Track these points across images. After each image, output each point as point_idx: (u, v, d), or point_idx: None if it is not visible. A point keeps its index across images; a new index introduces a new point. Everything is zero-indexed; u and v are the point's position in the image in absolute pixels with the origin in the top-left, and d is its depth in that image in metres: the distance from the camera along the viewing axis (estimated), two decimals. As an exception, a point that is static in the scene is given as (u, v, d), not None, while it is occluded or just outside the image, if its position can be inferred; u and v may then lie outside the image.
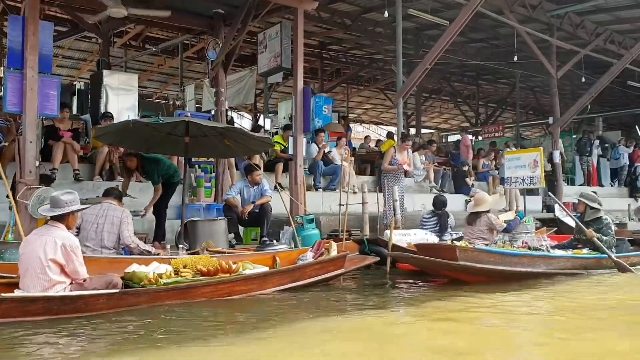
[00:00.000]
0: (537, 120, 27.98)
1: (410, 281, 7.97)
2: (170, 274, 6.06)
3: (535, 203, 16.04)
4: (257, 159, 10.93)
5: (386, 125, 32.07)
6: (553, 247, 8.92)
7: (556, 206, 14.55)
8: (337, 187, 13.06)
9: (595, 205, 8.83)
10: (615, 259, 8.22)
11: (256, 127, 12.72)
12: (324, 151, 13.04)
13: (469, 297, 6.58)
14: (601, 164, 20.64)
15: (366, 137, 19.17)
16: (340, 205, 9.72)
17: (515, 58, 15.27)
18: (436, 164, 15.70)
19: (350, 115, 30.93)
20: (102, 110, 12.79)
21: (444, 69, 22.64)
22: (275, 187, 9.47)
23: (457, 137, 28.63)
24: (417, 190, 15.08)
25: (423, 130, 32.04)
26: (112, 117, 10.95)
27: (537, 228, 12.47)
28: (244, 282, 6.29)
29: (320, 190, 12.84)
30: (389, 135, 17.22)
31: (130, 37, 19.71)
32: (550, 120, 17.52)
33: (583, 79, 16.86)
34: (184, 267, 6.31)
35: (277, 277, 6.59)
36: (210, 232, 7.92)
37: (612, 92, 24.87)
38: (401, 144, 12.05)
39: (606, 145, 22.31)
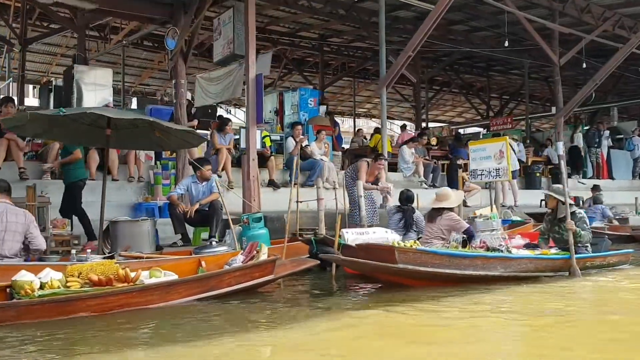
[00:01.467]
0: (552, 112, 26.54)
1: (358, 286, 7.05)
2: (52, 284, 5.23)
3: (535, 197, 14.86)
4: (196, 153, 10.09)
5: (396, 119, 30.93)
6: (526, 246, 7.92)
7: (555, 200, 13.44)
8: (315, 183, 12.16)
9: (570, 200, 7.77)
10: (574, 262, 7.15)
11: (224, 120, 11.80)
12: (302, 145, 12.11)
13: (413, 304, 5.65)
14: (612, 155, 19.23)
15: (358, 130, 18.20)
16: (297, 202, 8.80)
17: (507, 44, 14.03)
18: (427, 157, 14.63)
19: (359, 110, 30.00)
20: (75, 106, 12.16)
21: (448, 60, 21.53)
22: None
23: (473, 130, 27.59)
24: (405, 185, 14.03)
25: (435, 125, 30.95)
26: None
27: (524, 223, 11.41)
28: (141, 293, 5.45)
29: (297, 186, 11.90)
30: (377, 130, 16.22)
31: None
32: (554, 110, 16.29)
33: (584, 65, 15.50)
34: (79, 274, 5.48)
35: (185, 286, 5.72)
36: (131, 233, 7.10)
37: (629, 81, 23.49)
38: (372, 163, 10.40)
39: (620, 136, 20.94)
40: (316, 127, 13.73)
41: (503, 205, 13.61)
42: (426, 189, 13.84)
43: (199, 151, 11.03)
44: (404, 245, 6.59)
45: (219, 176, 10.89)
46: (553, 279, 7.10)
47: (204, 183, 8.57)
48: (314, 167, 12.07)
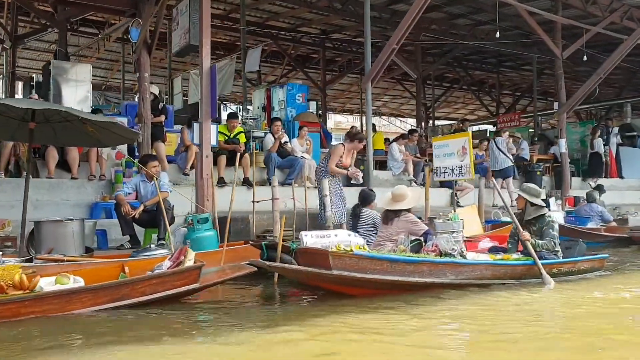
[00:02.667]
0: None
1: (298, 295, 6.41)
2: None
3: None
4: (164, 150, 9.50)
5: (407, 117, 30.12)
6: (491, 250, 7.18)
7: (551, 200, 12.60)
8: (295, 182, 11.53)
9: (537, 201, 7.01)
10: (541, 269, 6.39)
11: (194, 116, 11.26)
12: (281, 142, 11.49)
13: (343, 318, 5.00)
14: (623, 153, 18.17)
15: (352, 127, 17.37)
16: (253, 202, 8.18)
17: (497, 35, 13.18)
18: (418, 155, 13.87)
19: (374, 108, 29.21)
20: (51, 102, 11.73)
21: (451, 55, 20.66)
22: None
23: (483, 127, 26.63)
24: (395, 183, 13.27)
25: (446, 122, 30.04)
26: None
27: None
28: (35, 302, 4.88)
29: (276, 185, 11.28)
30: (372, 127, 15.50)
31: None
32: (556, 105, 15.39)
33: (585, 58, 14.56)
34: (-25, 281, 4.94)
35: (90, 294, 5.14)
36: (56, 235, 6.54)
37: (644, 76, 22.38)
38: (349, 143, 9.11)
39: (633, 133, 19.85)
40: (304, 124, 13.09)
41: (494, 205, 12.82)
42: (414, 187, 13.10)
43: (169, 148, 10.51)
44: (348, 250, 5.91)
45: (186, 175, 10.36)
46: (519, 287, 6.36)
47: (152, 182, 7.99)
48: (293, 165, 11.42)
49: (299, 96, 13.65)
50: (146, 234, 8.08)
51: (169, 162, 10.60)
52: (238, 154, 10.63)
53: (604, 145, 17.25)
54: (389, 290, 5.90)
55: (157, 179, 7.45)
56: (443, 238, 6.43)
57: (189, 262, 5.77)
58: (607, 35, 15.20)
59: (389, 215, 7.03)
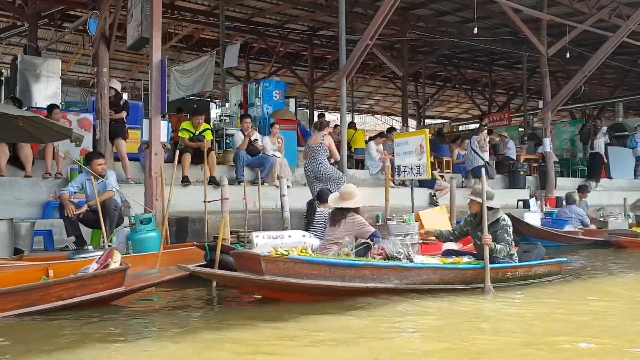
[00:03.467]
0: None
1: (242, 298, 6.02)
2: None
3: (515, 196, 13.57)
4: (125, 147, 9.13)
5: (400, 116, 29.62)
6: (445, 253, 6.79)
7: (531, 201, 12.19)
8: (266, 181, 11.16)
9: (492, 204, 6.60)
10: (487, 276, 5.99)
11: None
12: (251, 139, 11.11)
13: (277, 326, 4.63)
14: (612, 153, 17.70)
15: (335, 126, 16.98)
16: (205, 202, 7.78)
17: (475, 30, 12.73)
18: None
19: (362, 106, 28.83)
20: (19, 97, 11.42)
21: (438, 53, 20.21)
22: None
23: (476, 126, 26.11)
24: (372, 183, 12.92)
25: (440, 121, 29.62)
26: None
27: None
28: None
29: (242, 184, 10.89)
30: (350, 125, 15.15)
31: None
32: (540, 104, 14.95)
33: (568, 55, 14.11)
34: None
35: (-6, 299, 4.75)
36: (-20, 236, 6.18)
37: (638, 75, 21.85)
38: (323, 132, 9.32)
39: (625, 133, 19.38)
40: (281, 122, 12.72)
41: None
42: (392, 187, 12.68)
43: (133, 145, 10.16)
44: (285, 253, 5.52)
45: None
46: (463, 294, 5.96)
47: (100, 180, 7.61)
48: (263, 163, 11.04)
49: (276, 93, 13.27)
50: (93, 234, 7.72)
51: (132, 160, 10.24)
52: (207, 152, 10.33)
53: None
54: (330, 296, 5.52)
55: (93, 178, 7.04)
56: (390, 241, 6.03)
57: (114, 264, 5.40)
58: (597, 33, 14.76)
59: (336, 216, 6.62)
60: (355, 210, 6.58)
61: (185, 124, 10.50)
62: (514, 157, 15.94)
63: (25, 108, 10.22)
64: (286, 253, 5.50)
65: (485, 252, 6.09)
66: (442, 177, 13.66)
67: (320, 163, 9.13)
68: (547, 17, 14.30)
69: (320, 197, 7.88)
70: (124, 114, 9.80)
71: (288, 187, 11.16)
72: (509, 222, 6.58)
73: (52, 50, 20.28)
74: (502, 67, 23.88)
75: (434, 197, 12.91)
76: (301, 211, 10.19)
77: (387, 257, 5.88)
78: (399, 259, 5.79)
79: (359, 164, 14.39)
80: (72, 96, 21.75)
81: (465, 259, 6.39)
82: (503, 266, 6.26)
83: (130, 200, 8.38)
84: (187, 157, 10.19)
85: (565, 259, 7.04)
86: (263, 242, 7.29)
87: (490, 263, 6.18)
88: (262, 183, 11.06)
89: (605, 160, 17.04)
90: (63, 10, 15.04)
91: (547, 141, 14.43)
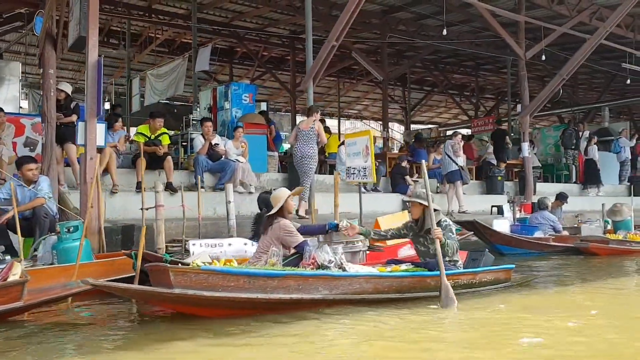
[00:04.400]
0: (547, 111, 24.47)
1: (160, 311, 5.54)
2: None
3: (492, 202, 13.08)
4: (75, 152, 8.72)
5: (390, 121, 29.15)
6: (390, 262, 6.32)
7: (505, 207, 11.71)
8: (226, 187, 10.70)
9: (435, 205, 6.15)
10: (445, 281, 5.51)
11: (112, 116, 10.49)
12: (211, 143, 10.68)
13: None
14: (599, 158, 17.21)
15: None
16: (142, 209, 7.34)
17: (445, 32, 12.32)
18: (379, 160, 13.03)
19: (350, 111, 28.42)
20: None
21: (420, 57, 19.76)
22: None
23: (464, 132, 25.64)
24: (343, 189, 12.37)
25: (427, 126, 29.18)
26: None
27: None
28: None
29: (203, 190, 10.45)
30: (325, 129, 14.67)
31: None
32: (519, 108, 14.49)
33: (543, 57, 13.66)
34: None
35: None
36: None
37: (623, 80, 21.36)
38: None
39: (610, 137, 18.89)
40: (249, 126, 12.28)
41: (449, 213, 11.91)
42: (364, 192, 12.21)
43: (80, 150, 9.70)
44: (204, 263, 5.06)
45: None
46: (405, 302, 5.51)
47: (31, 186, 7.18)
48: (224, 168, 10.61)
49: (245, 96, 12.83)
50: (25, 243, 7.25)
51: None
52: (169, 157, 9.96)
53: (573, 149, 16.33)
54: (254, 310, 5.05)
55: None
56: (321, 249, 5.57)
57: (14, 277, 4.95)
58: (577, 36, 14.32)
59: (266, 224, 6.16)
60: (283, 216, 6.11)
61: (141, 128, 10.09)
62: (495, 162, 15.47)
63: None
64: (209, 263, 5.05)
65: (438, 250, 5.63)
66: (417, 182, 13.20)
67: (311, 146, 9.98)
68: (523, 19, 13.86)
69: (268, 205, 7.42)
70: (74, 118, 9.36)
71: (251, 192, 10.80)
72: (451, 222, 6.16)
73: (14, 52, 19.96)
74: (489, 72, 23.46)
75: (407, 204, 12.41)
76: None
77: (319, 267, 5.43)
78: (329, 268, 5.33)
79: (333, 169, 13.94)
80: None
81: (404, 266, 5.93)
82: (445, 273, 5.78)
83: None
84: (142, 162, 9.76)
85: (513, 265, 6.56)
86: (200, 251, 6.88)
87: (431, 270, 5.74)
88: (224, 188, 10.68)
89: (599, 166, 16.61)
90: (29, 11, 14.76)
91: (526, 146, 13.97)
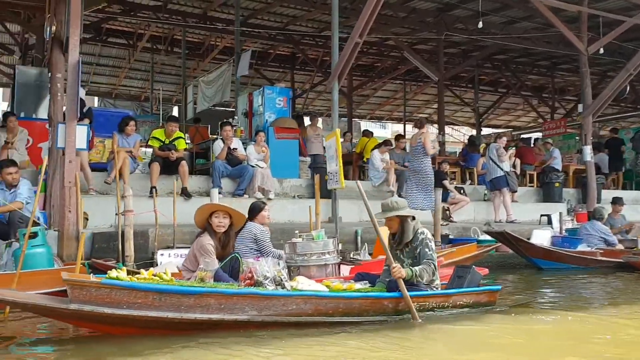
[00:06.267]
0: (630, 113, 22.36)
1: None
2: None
3: (547, 211, 11.71)
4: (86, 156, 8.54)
5: (460, 125, 27.80)
6: (357, 278, 5.51)
7: (554, 216, 10.49)
8: (246, 192, 10.22)
9: (409, 212, 5.31)
10: (409, 304, 4.68)
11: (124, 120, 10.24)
12: (230, 148, 10.23)
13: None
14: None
15: (345, 133, 15.79)
16: (117, 214, 6.94)
17: (480, 25, 11.19)
18: (406, 163, 12.07)
19: (421, 115, 27.28)
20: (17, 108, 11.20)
21: (480, 56, 18.48)
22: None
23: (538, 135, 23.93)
24: (375, 196, 11.59)
25: (494, 130, 27.47)
26: None
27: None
28: None
29: (220, 196, 10.00)
30: (365, 133, 13.90)
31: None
32: (580, 108, 13.04)
33: (601, 50, 12.18)
34: None
35: None
36: None
37: None
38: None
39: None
40: (280, 130, 11.76)
41: (486, 223, 10.79)
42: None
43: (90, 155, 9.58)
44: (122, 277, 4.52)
45: (107, 183, 9.30)
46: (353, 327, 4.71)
47: (12, 190, 6.97)
48: (242, 174, 10.11)
49: (279, 100, 12.29)
50: (2, 248, 7.05)
51: (101, 169, 9.64)
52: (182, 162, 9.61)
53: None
54: (170, 331, 4.46)
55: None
56: (263, 261, 4.89)
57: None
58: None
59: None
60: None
61: (156, 132, 9.80)
62: (559, 167, 14.06)
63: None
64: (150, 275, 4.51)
65: (401, 286, 4.81)
66: (462, 189, 12.14)
67: (421, 161, 10.32)
68: (585, 11, 12.48)
69: (251, 211, 6.82)
70: (86, 122, 9.18)
71: (269, 199, 10.23)
72: (429, 235, 5.24)
73: (100, 65, 20.57)
74: (567, 72, 21.69)
75: (447, 212, 11.44)
76: (281, 226, 9.21)
77: (256, 283, 4.76)
78: (264, 285, 4.64)
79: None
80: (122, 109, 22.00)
81: (359, 285, 5.12)
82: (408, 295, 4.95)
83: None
84: (155, 167, 9.46)
85: (499, 287, 5.49)
86: (167, 261, 6.40)
87: (391, 290, 4.92)
88: (243, 195, 10.20)
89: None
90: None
91: (588, 149, 12.54)
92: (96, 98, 23.26)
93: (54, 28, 8.52)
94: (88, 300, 4.21)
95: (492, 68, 20.99)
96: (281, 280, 4.72)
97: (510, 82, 22.00)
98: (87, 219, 8.64)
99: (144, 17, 16.25)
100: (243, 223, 5.54)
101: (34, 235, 6.16)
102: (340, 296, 4.74)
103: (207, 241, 5.17)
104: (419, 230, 5.24)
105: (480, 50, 18.59)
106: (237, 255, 5.30)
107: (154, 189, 9.34)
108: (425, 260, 5.09)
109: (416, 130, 10.77)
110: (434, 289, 5.16)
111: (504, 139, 11.87)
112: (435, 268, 5.10)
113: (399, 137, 12.58)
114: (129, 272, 4.77)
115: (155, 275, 4.67)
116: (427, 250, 5.12)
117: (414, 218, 5.27)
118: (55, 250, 7.26)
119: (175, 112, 22.30)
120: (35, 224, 6.86)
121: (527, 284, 8.15)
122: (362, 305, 4.78)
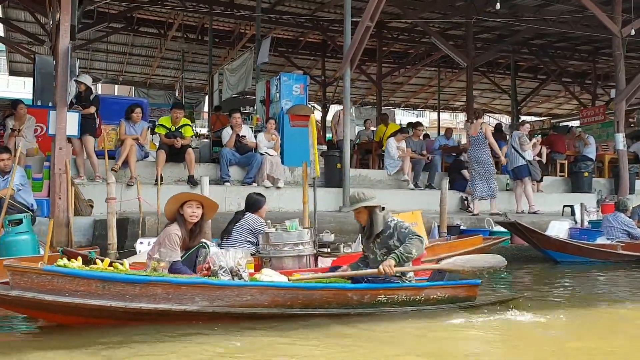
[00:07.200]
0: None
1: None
2: None
3: (572, 201, 11.07)
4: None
5: (497, 113, 26.89)
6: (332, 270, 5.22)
7: (576, 207, 9.93)
8: (255, 181, 10.03)
9: (377, 202, 4.97)
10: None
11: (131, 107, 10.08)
12: (239, 135, 10.04)
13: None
14: None
15: (366, 120, 15.34)
16: (107, 201, 6.81)
17: (498, 6, 10.58)
18: (423, 152, 11.62)
19: (456, 103, 26.59)
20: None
21: (511, 40, 17.74)
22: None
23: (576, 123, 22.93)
24: (391, 185, 11.24)
25: (533, 118, 26.43)
26: None
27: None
28: None
29: (228, 184, 9.86)
30: (383, 120, 13.47)
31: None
32: (613, 93, 12.29)
33: (632, 32, 11.37)
34: None
35: None
36: None
37: None
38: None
39: None
40: (295, 118, 11.50)
41: (498, 213, 10.25)
42: (412, 189, 10.93)
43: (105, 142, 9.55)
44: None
45: (114, 170, 9.22)
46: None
47: (6, 177, 6.94)
48: (250, 161, 9.92)
49: (296, 87, 12.01)
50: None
51: (109, 157, 9.59)
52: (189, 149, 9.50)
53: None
54: (115, 320, 4.30)
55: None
56: (222, 252, 4.67)
57: None
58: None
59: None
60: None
61: (163, 120, 9.68)
62: (593, 156, 13.35)
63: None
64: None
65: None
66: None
67: (483, 151, 10.22)
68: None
69: (252, 205, 6.63)
70: (92, 110, 9.14)
71: (279, 187, 10.01)
72: (400, 220, 4.92)
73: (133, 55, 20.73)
74: (610, 57, 20.61)
75: (466, 202, 10.97)
76: (291, 214, 8.97)
77: (212, 274, 4.54)
78: (217, 275, 4.42)
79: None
80: (156, 98, 22.15)
81: (309, 274, 4.83)
82: (370, 287, 4.63)
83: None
84: (162, 155, 9.35)
85: (479, 281, 5.07)
86: (146, 250, 6.24)
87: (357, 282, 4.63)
88: (251, 183, 10.00)
89: None
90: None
91: (620, 137, 11.82)
92: (132, 88, 23.53)
93: (57, 15, 8.51)
94: (29, 287, 4.07)
95: (529, 54, 20.17)
96: (238, 271, 4.48)
97: (549, 69, 21.11)
98: (92, 207, 8.61)
99: (171, 6, 16.28)
100: (214, 213, 5.30)
101: (18, 222, 6.11)
102: (300, 287, 4.47)
103: (174, 230, 4.94)
104: (390, 218, 4.92)
105: (511, 35, 17.87)
106: (204, 244, 5.09)
107: (160, 177, 9.24)
108: (407, 238, 4.76)
109: (473, 121, 10.83)
110: (406, 282, 4.84)
111: (527, 126, 11.27)
112: (419, 236, 4.77)
113: (416, 125, 12.11)
114: (111, 262, 4.65)
115: (110, 266, 4.51)
116: (402, 230, 4.82)
117: (383, 208, 4.94)
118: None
119: (206, 100, 22.37)
120: (26, 210, 6.87)
121: (535, 277, 7.70)
122: (323, 297, 4.49)
